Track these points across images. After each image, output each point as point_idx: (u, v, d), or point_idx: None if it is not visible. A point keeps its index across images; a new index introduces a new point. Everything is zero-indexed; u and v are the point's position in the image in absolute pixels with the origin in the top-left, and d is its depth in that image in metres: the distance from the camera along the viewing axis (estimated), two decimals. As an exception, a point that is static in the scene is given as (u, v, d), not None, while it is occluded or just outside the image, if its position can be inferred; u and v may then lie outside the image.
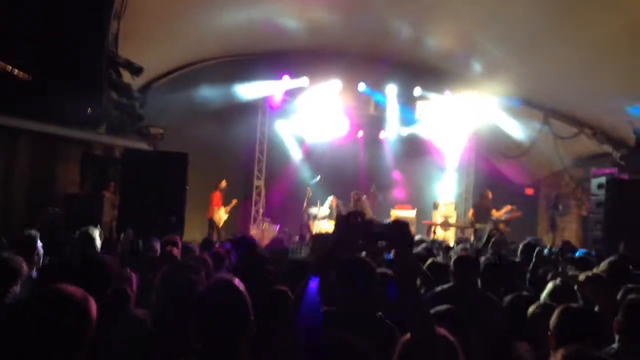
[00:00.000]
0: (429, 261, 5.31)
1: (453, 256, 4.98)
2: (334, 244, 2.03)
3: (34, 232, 4.47)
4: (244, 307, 2.22)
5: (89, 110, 9.50)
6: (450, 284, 4.44)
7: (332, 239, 2.06)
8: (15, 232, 5.01)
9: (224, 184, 13.45)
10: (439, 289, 4.35)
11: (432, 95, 14.57)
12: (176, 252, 5.50)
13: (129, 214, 9.12)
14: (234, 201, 13.55)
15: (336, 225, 2.07)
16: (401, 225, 2.00)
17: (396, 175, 15.30)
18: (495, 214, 12.84)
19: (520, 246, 6.85)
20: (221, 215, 13.35)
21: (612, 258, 5.92)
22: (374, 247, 2.05)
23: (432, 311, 2.79)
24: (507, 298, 3.94)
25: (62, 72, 8.66)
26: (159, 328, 2.94)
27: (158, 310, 3.11)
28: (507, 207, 12.97)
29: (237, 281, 2.30)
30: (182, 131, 11.74)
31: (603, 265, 5.53)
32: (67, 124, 9.22)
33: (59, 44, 8.39)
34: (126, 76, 10.32)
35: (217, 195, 13.33)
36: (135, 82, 10.78)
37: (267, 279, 4.63)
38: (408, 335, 2.05)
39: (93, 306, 2.07)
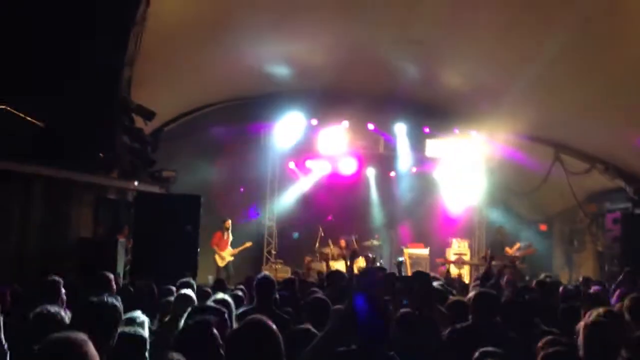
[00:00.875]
0: (450, 300, 5.24)
1: (472, 293, 4.91)
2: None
3: (57, 277, 4.46)
4: (277, 343, 2.24)
5: (101, 155, 9.59)
6: (469, 322, 4.36)
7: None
8: (39, 278, 4.98)
9: (228, 223, 13.27)
10: (458, 326, 4.27)
11: (441, 134, 14.64)
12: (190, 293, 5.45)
13: (142, 258, 9.12)
14: (248, 244, 13.37)
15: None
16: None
17: (407, 213, 15.23)
18: (508, 251, 12.75)
19: (534, 282, 6.78)
20: (224, 255, 13.15)
21: (634, 294, 5.85)
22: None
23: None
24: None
25: (75, 118, 8.81)
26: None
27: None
28: (517, 245, 12.92)
29: (267, 320, 2.31)
30: (193, 174, 11.81)
31: (627, 300, 5.45)
32: (81, 169, 9.29)
33: (73, 91, 8.55)
34: (138, 121, 10.47)
35: (217, 235, 13.14)
36: (147, 127, 10.92)
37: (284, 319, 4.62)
38: None
39: (91, 349, 2.04)
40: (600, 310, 4.50)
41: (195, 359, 2.84)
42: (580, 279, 9.51)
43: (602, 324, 3.59)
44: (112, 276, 5.64)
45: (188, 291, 5.39)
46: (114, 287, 5.68)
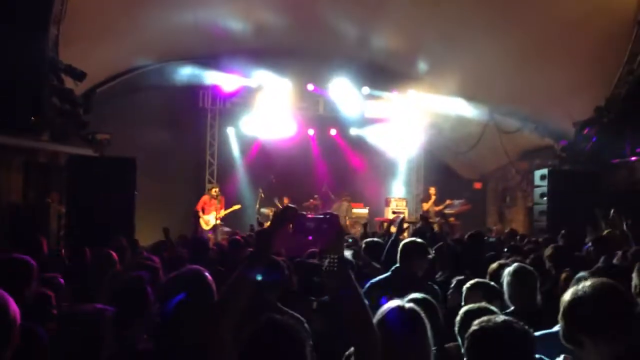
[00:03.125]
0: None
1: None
2: (266, 238, 2.08)
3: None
4: (211, 292, 2.28)
5: (32, 118, 9.24)
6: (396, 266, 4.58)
7: (268, 232, 2.11)
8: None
9: (215, 191, 13.39)
10: (381, 277, 4.50)
11: (381, 95, 14.79)
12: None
13: (77, 223, 8.95)
14: (236, 206, 13.53)
15: (272, 219, 2.12)
16: (331, 218, 2.05)
17: (347, 173, 15.41)
18: (424, 207, 13.25)
19: (466, 236, 7.09)
20: (208, 219, 13.18)
21: (555, 244, 6.23)
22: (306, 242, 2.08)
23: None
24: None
25: (1, 80, 8.44)
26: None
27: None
28: (447, 202, 13.36)
29: (205, 271, 2.36)
30: (129, 137, 11.55)
31: (548, 249, 5.81)
32: (8, 132, 8.95)
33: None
34: (69, 82, 10.12)
35: (202, 200, 13.35)
36: (79, 88, 10.57)
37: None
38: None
39: (13, 305, 2.05)
40: (519, 258, 4.84)
41: (127, 313, 2.89)
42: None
43: (521, 270, 3.89)
44: (42, 239, 5.53)
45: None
46: (45, 250, 5.57)
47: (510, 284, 3.78)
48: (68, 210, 9.22)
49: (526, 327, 2.05)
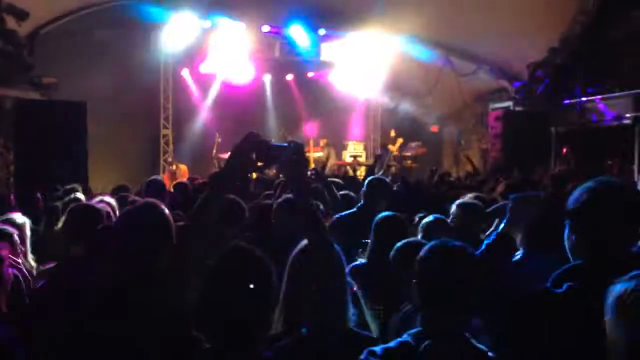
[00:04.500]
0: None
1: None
2: (229, 163, 2.03)
3: None
4: (168, 223, 2.23)
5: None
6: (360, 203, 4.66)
7: (229, 157, 2.05)
8: None
9: (174, 166, 13.35)
10: (346, 212, 4.55)
11: (337, 36, 14.59)
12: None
13: (26, 169, 8.68)
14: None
15: (235, 145, 2.05)
16: (295, 146, 2.02)
17: (305, 117, 15.32)
18: (391, 147, 13.32)
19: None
20: None
21: (507, 181, 6.42)
22: (267, 168, 2.04)
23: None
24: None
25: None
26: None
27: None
28: (399, 142, 13.50)
29: (161, 204, 2.31)
30: (78, 80, 11.09)
31: (500, 187, 5.98)
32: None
33: None
34: (10, 22, 9.63)
35: (165, 178, 12.98)
36: (22, 29, 10.08)
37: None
38: (304, 242, 2.15)
39: None
40: (471, 194, 4.99)
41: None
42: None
43: (468, 204, 4.07)
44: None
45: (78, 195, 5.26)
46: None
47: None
48: (16, 156, 8.93)
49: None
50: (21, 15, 9.36)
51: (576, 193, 1.98)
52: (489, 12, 11.64)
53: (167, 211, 2.31)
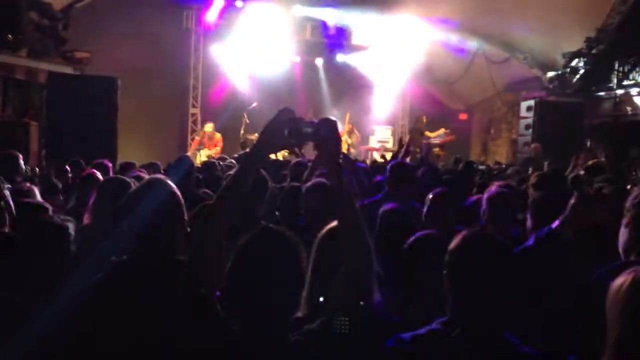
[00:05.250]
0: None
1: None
2: (261, 139, 1.99)
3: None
4: (176, 201, 2.22)
5: (9, 36, 8.89)
6: (384, 190, 4.58)
7: (262, 133, 2.02)
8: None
9: (208, 127, 13.20)
10: (371, 199, 4.47)
11: (369, 19, 14.42)
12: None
13: (57, 142, 8.80)
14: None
15: (269, 122, 2.02)
16: (329, 123, 1.98)
17: (333, 100, 15.21)
18: (429, 134, 13.10)
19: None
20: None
21: (539, 172, 6.30)
22: (299, 145, 2.00)
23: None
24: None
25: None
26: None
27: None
28: (441, 130, 13.25)
29: (168, 180, 2.29)
30: (110, 55, 11.19)
31: (533, 177, 5.86)
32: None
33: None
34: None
35: (195, 142, 13.24)
36: (57, 3, 10.17)
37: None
38: (332, 224, 2.12)
39: None
40: (501, 182, 4.88)
41: None
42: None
43: (500, 193, 3.96)
44: (18, 154, 5.37)
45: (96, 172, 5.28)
46: (22, 166, 5.44)
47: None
48: (48, 129, 9.05)
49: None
50: (57, -11, 9.44)
51: None
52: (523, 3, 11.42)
53: (174, 188, 2.28)
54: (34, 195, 3.89)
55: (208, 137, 13.16)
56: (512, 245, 2.19)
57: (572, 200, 2.37)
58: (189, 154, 12.68)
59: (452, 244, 2.01)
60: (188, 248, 2.03)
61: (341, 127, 14.15)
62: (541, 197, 3.52)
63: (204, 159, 12.50)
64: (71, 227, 2.69)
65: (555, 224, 2.32)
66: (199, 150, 13.05)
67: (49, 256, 2.51)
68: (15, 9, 8.95)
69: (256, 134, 13.27)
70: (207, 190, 5.53)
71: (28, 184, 4.01)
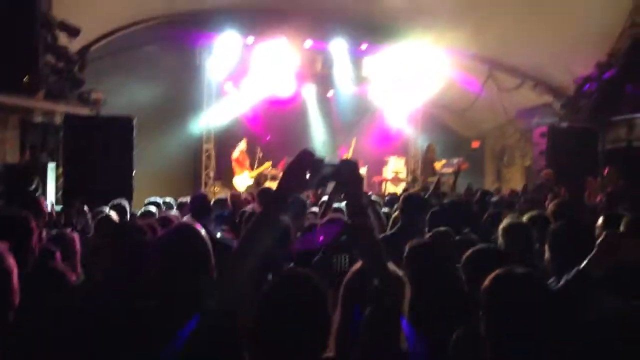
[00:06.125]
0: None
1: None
2: (282, 182, 2.00)
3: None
4: (205, 249, 2.22)
5: (26, 78, 9.07)
6: (399, 224, 4.55)
7: (282, 177, 2.03)
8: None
9: (243, 144, 13.45)
10: (389, 232, 4.46)
11: (379, 50, 14.59)
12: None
13: (75, 184, 8.90)
14: (267, 164, 13.40)
15: (289, 164, 2.03)
16: (350, 164, 1.99)
17: (346, 131, 15.28)
18: (437, 165, 13.05)
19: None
20: (240, 180, 13.28)
21: (558, 200, 6.25)
22: (322, 187, 2.01)
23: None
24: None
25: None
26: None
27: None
28: (443, 161, 13.20)
29: (197, 225, 2.30)
30: (125, 95, 11.39)
31: (551, 206, 5.81)
32: (3, 91, 8.80)
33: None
34: (63, 39, 9.93)
35: (236, 160, 13.44)
36: (73, 45, 10.38)
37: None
38: (358, 266, 2.11)
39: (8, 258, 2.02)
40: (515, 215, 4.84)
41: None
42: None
43: (517, 225, 3.92)
44: (41, 198, 5.46)
45: (111, 213, 5.35)
46: (45, 209, 5.51)
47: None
48: (65, 171, 9.16)
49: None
50: (73, 32, 9.64)
51: None
52: (534, 25, 11.47)
53: (204, 234, 2.27)
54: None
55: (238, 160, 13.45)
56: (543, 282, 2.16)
57: (601, 238, 2.35)
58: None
59: (486, 284, 2.00)
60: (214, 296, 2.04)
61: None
62: (561, 228, 3.46)
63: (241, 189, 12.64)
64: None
65: (584, 263, 2.30)
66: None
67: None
68: (32, 53, 9.15)
69: (269, 165, 13.37)
70: (224, 228, 5.58)
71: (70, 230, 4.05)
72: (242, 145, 13.45)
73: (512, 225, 3.87)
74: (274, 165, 13.51)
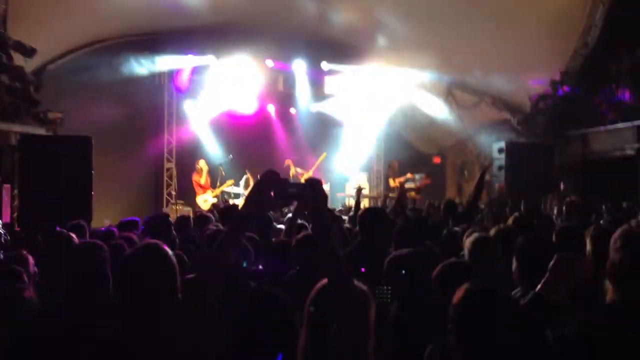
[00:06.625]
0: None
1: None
2: (248, 203, 2.01)
3: None
4: (172, 268, 2.19)
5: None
6: (357, 240, 4.54)
7: (248, 197, 2.04)
8: None
9: (200, 164, 13.24)
10: (348, 249, 4.43)
11: (340, 70, 14.74)
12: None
13: (32, 205, 8.65)
14: (230, 181, 13.22)
15: (254, 185, 2.05)
16: (314, 183, 2.01)
17: (307, 149, 15.31)
18: (392, 183, 13.19)
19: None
20: (206, 198, 13.10)
21: (516, 214, 6.38)
22: (286, 206, 2.03)
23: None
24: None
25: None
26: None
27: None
28: (408, 175, 13.34)
29: (164, 246, 2.26)
30: (83, 115, 11.18)
31: (510, 219, 5.93)
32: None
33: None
34: (18, 59, 9.74)
35: (194, 178, 13.27)
36: (29, 65, 10.18)
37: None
38: (323, 282, 2.11)
39: None
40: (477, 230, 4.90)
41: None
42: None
43: (484, 239, 3.98)
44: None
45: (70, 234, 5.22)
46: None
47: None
48: (21, 192, 8.91)
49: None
50: (29, 53, 9.46)
51: None
52: (491, 44, 11.78)
53: (170, 254, 2.25)
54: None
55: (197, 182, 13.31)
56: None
57: (552, 262, 2.41)
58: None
59: (457, 298, 2.04)
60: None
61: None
62: (524, 243, 3.53)
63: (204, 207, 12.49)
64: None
65: (538, 287, 2.36)
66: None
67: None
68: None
69: (231, 183, 13.27)
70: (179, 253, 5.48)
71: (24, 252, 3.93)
72: (202, 164, 13.33)
73: (480, 240, 3.93)
74: (236, 184, 13.44)
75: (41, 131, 10.33)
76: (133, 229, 6.15)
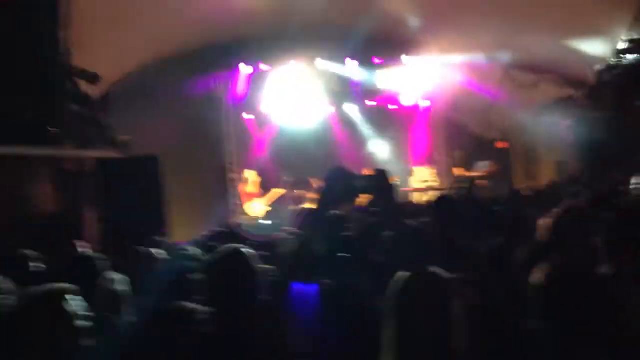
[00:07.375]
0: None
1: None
2: (322, 198, 2.04)
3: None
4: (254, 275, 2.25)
5: (53, 130, 9.20)
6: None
7: (321, 194, 2.06)
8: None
9: (246, 174, 13.55)
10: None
11: (392, 63, 14.62)
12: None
13: (114, 226, 8.96)
14: (281, 190, 13.48)
15: (325, 180, 2.07)
16: (383, 175, 2.01)
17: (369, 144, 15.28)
18: (458, 172, 12.97)
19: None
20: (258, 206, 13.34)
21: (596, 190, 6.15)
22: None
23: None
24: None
25: (17, 93, 8.42)
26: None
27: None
28: (476, 173, 13.06)
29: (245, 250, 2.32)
30: (147, 134, 11.53)
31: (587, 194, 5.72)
32: (33, 143, 8.93)
33: (9, 64, 8.16)
34: (84, 86, 10.09)
35: (241, 190, 13.56)
36: (94, 91, 10.55)
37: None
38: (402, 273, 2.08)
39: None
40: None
41: None
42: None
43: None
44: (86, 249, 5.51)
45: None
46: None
47: None
48: (102, 216, 9.25)
49: None
50: (93, 79, 9.80)
51: None
52: (546, 20, 11.40)
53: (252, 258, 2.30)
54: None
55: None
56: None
57: None
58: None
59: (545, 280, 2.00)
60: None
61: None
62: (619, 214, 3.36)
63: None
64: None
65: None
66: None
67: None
68: (56, 104, 9.29)
69: (283, 192, 13.42)
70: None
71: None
72: (247, 174, 13.54)
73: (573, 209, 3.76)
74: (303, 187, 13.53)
75: (113, 154, 10.68)
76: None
